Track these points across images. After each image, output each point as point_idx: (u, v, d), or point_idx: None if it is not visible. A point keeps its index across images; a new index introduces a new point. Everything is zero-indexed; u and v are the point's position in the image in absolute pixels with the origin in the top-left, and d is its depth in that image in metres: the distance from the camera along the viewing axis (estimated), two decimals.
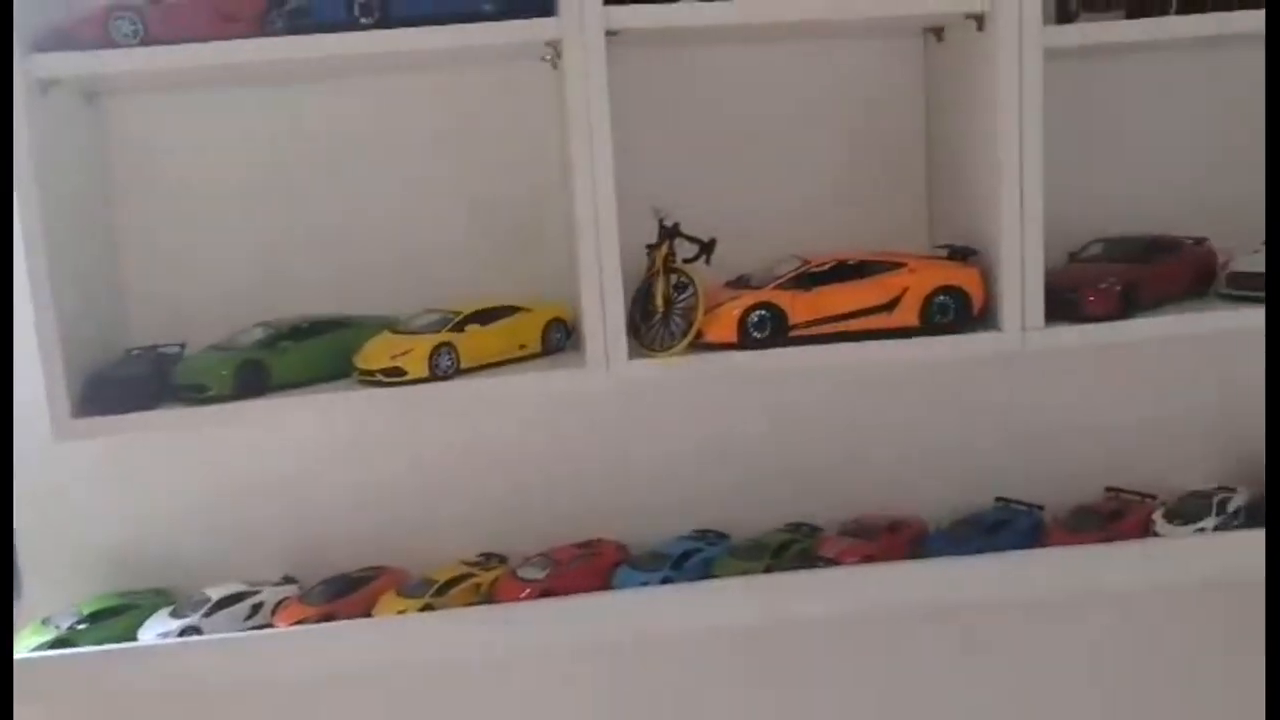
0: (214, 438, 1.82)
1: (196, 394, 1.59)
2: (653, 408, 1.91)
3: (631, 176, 1.68)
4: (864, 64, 1.85)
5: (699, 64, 1.82)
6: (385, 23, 1.54)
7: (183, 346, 1.69)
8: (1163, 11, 1.67)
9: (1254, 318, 1.68)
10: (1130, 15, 1.67)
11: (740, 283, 1.71)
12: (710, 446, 1.94)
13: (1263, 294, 1.68)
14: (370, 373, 1.60)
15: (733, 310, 1.63)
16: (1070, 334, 1.67)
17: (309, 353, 1.65)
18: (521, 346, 1.69)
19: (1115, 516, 1.85)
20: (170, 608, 1.76)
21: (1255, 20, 1.64)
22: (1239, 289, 1.72)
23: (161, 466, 1.84)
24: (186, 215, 1.78)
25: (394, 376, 1.59)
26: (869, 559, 1.79)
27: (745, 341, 1.63)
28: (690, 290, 1.64)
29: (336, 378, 1.66)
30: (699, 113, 1.84)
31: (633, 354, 1.63)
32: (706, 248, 1.66)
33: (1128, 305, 1.68)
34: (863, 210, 1.88)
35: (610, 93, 1.56)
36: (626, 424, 1.91)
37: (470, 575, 1.80)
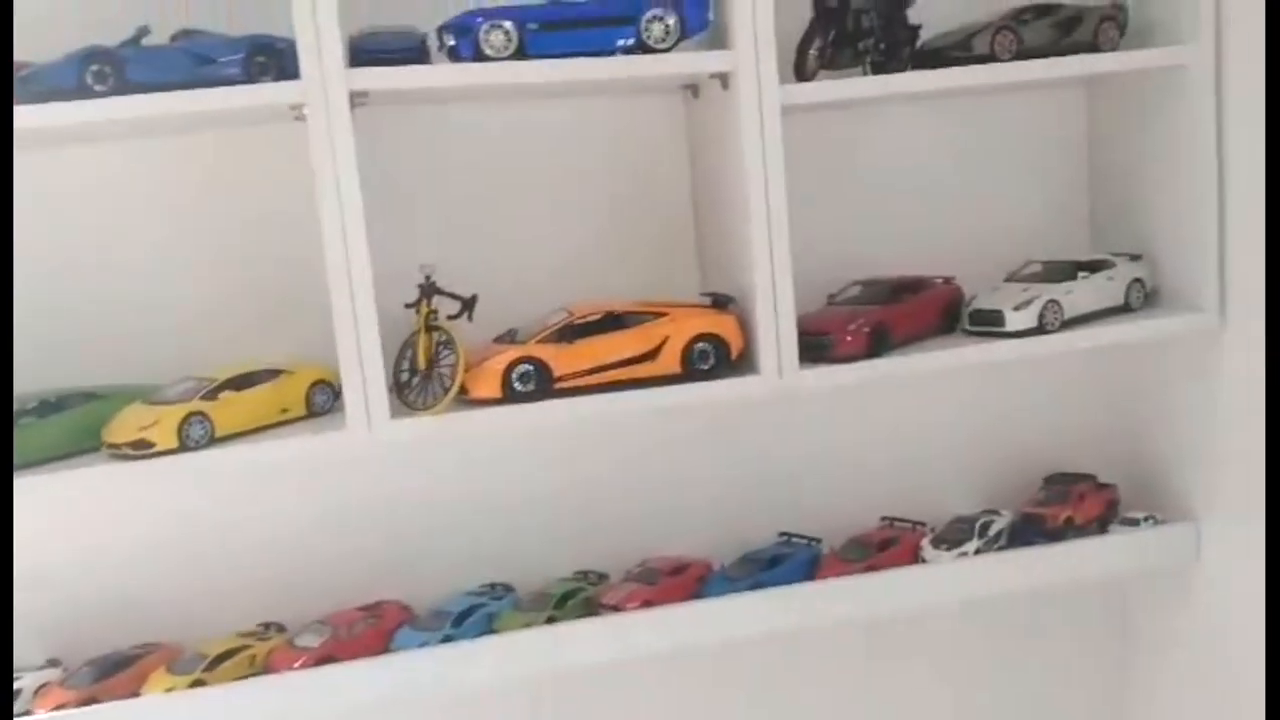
0: None
1: None
2: (435, 463, 1.91)
3: (400, 234, 1.70)
4: (628, 119, 1.91)
5: (464, 121, 1.84)
6: (121, 89, 1.51)
7: None
8: (899, 69, 1.77)
9: (993, 352, 1.79)
10: (877, 71, 1.76)
11: (507, 337, 1.73)
12: (497, 498, 1.94)
13: (998, 328, 1.79)
14: (118, 446, 1.55)
15: (496, 366, 1.65)
16: (823, 375, 1.74)
17: (55, 429, 1.59)
18: (284, 410, 1.67)
19: (887, 545, 1.93)
20: None
21: (982, 74, 1.76)
22: (980, 325, 1.83)
23: None
24: None
25: (141, 449, 1.54)
26: (649, 603, 1.81)
27: (510, 396, 1.65)
28: (452, 348, 1.64)
29: (87, 452, 1.60)
30: (467, 170, 1.86)
31: (396, 413, 1.62)
32: (467, 304, 1.68)
33: (878, 345, 1.76)
34: (636, 261, 1.93)
35: (371, 152, 1.57)
36: (407, 481, 1.90)
37: (245, 647, 1.75)
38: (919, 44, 1.81)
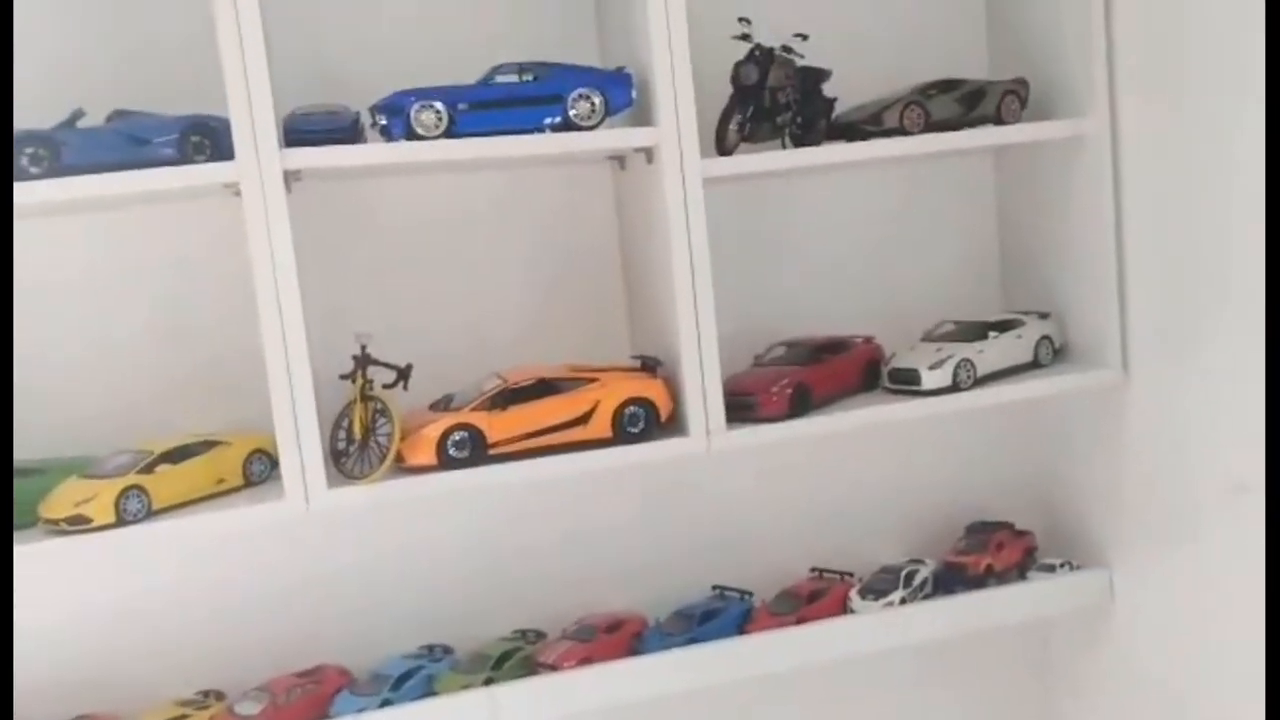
0: None
1: None
2: (371, 527, 1.93)
3: (334, 306, 1.73)
4: (558, 189, 1.97)
5: (396, 193, 1.90)
6: (56, 171, 1.53)
7: None
8: (816, 141, 1.86)
9: (910, 410, 1.87)
10: (796, 144, 1.85)
11: (442, 404, 1.77)
12: (433, 560, 1.98)
13: (915, 386, 1.87)
14: (55, 521, 1.57)
15: (431, 433, 1.69)
16: (749, 435, 1.80)
17: None
18: (221, 481, 1.69)
19: (816, 596, 1.99)
20: None
21: (893, 147, 1.85)
22: (898, 383, 1.91)
23: None
24: None
25: (78, 525, 1.56)
26: (587, 660, 1.85)
27: (445, 462, 1.69)
28: (388, 417, 1.68)
29: (23, 528, 1.61)
30: (400, 240, 1.91)
31: (333, 482, 1.65)
32: (403, 374, 1.72)
33: (801, 404, 1.84)
34: (569, 326, 1.99)
35: (304, 226, 1.61)
36: (343, 545, 1.93)
37: (184, 716, 1.76)
38: (834, 116, 1.90)
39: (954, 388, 1.87)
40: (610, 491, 2.03)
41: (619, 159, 1.93)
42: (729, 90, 1.83)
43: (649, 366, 1.83)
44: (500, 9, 1.92)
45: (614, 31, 1.88)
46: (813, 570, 2.09)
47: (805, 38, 1.84)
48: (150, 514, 1.60)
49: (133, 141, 1.59)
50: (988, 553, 2.04)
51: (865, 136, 1.85)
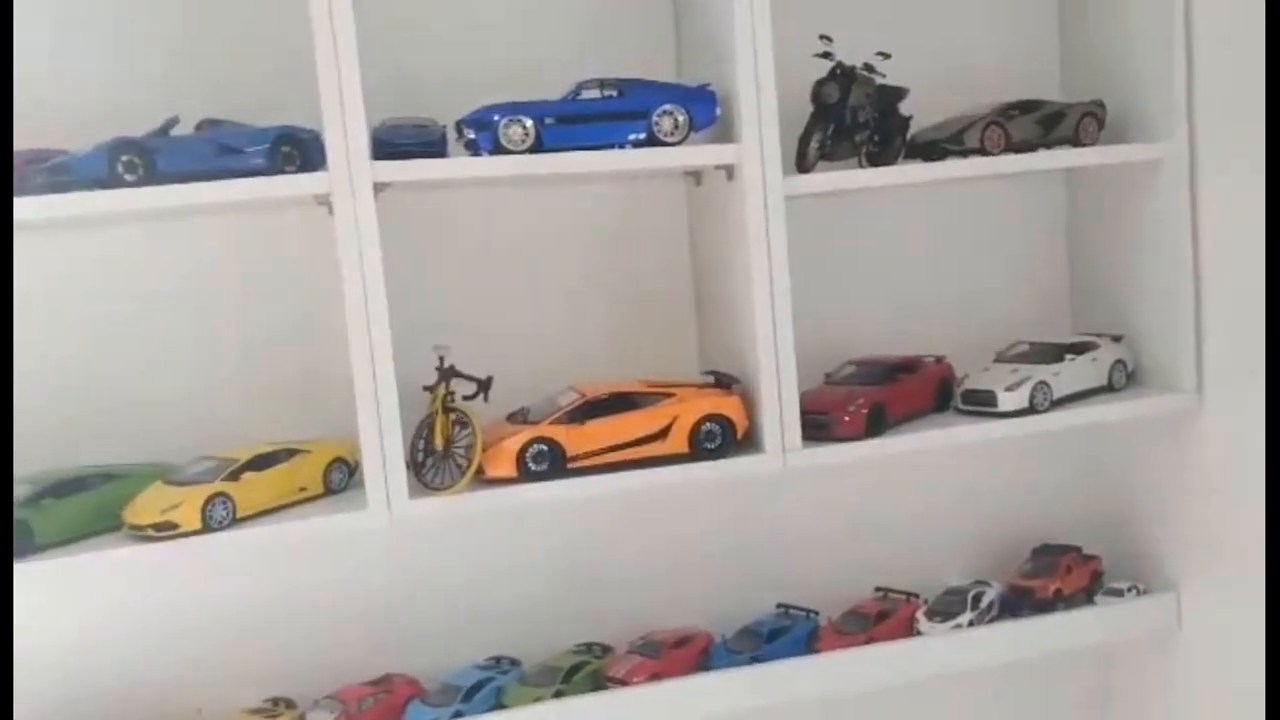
0: None
1: None
2: (439, 537, 1.94)
3: (414, 316, 1.74)
4: (632, 204, 1.98)
5: (478, 207, 1.91)
6: (150, 179, 1.55)
7: None
8: (892, 160, 1.86)
9: (988, 431, 1.87)
10: (873, 162, 1.85)
11: (520, 417, 1.77)
12: (499, 571, 1.98)
13: (991, 408, 1.87)
14: (141, 527, 1.58)
15: (511, 446, 1.69)
16: (825, 454, 1.80)
17: (76, 509, 1.61)
18: (302, 489, 1.70)
19: (882, 617, 1.98)
20: None
21: (974, 167, 1.85)
22: (972, 405, 1.90)
23: None
24: None
25: (165, 531, 1.56)
26: (655, 676, 1.85)
27: (524, 475, 1.69)
28: (469, 429, 1.69)
29: (106, 532, 1.62)
30: (481, 254, 1.93)
31: (414, 492, 1.66)
32: (484, 386, 1.72)
33: (876, 424, 1.83)
34: (639, 339, 1.99)
35: (387, 236, 1.61)
36: (412, 555, 1.93)
37: None
38: (909, 135, 1.90)
39: (1030, 410, 1.86)
40: (675, 507, 2.03)
41: (694, 174, 1.93)
42: (804, 106, 1.83)
43: (724, 383, 1.83)
44: (579, 23, 1.93)
45: (694, 46, 1.88)
46: (877, 590, 2.08)
47: (888, 56, 1.84)
48: (234, 521, 1.61)
49: (225, 151, 1.60)
50: (1056, 576, 2.02)
51: (944, 156, 1.85)
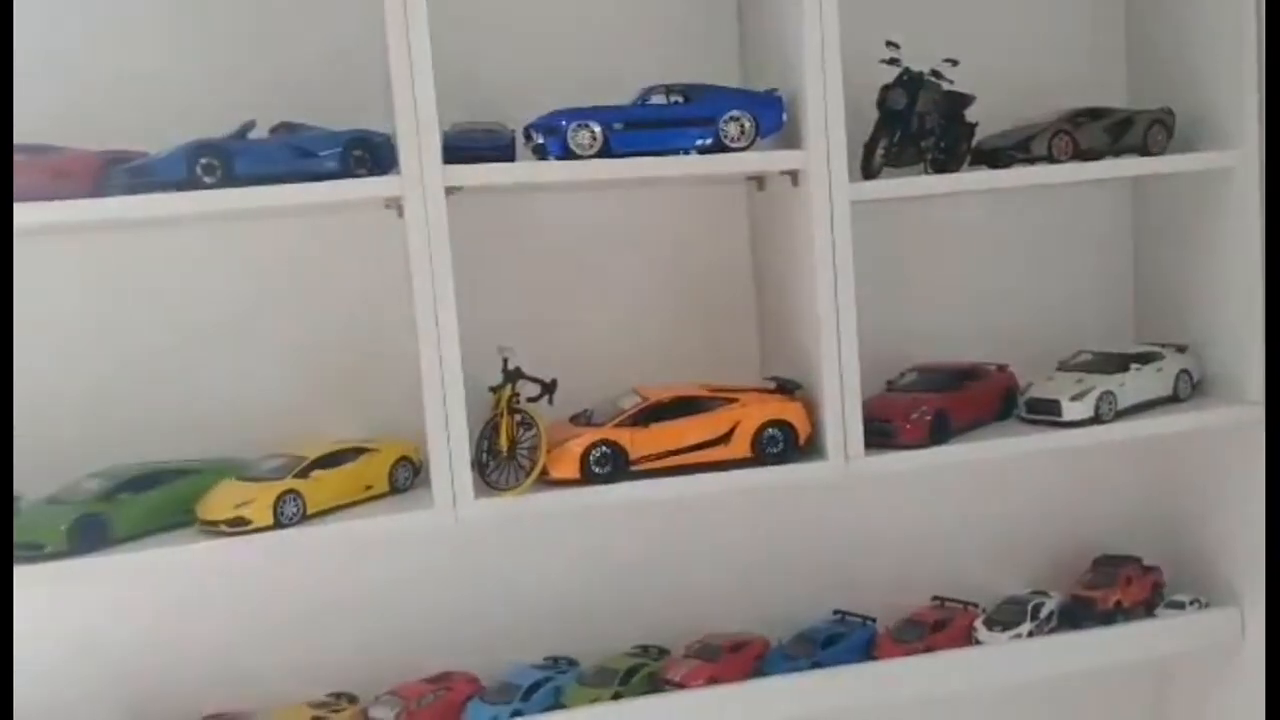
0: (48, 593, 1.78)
1: (31, 552, 1.55)
2: (501, 536, 1.95)
3: (478, 317, 1.75)
4: (694, 208, 1.99)
5: (542, 210, 1.92)
6: (228, 181, 1.58)
7: (15, 499, 1.65)
8: (958, 166, 1.86)
9: (1048, 440, 1.86)
10: (938, 169, 1.85)
11: (582, 419, 1.79)
12: (556, 571, 2.00)
13: (1055, 417, 1.85)
14: (213, 523, 1.60)
15: (575, 448, 1.70)
16: (888, 461, 1.80)
17: (150, 504, 1.64)
18: (368, 488, 1.72)
19: (940, 626, 1.97)
20: None
21: (1042, 175, 1.84)
22: (1035, 413, 1.89)
23: None
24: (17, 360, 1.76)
25: (237, 526, 1.59)
26: (713, 680, 1.85)
27: (587, 477, 1.70)
28: (534, 430, 1.70)
29: (178, 527, 1.65)
30: (544, 256, 1.94)
31: (478, 493, 1.68)
32: (548, 388, 1.74)
33: (939, 432, 1.83)
34: (699, 343, 2.00)
35: (455, 238, 1.63)
36: (471, 554, 1.95)
37: (319, 719, 1.78)
38: (975, 141, 1.89)
39: (1095, 420, 1.84)
40: (736, 510, 2.03)
41: (757, 179, 1.93)
42: (870, 112, 1.83)
43: (787, 388, 1.83)
44: (647, 29, 1.94)
45: (761, 52, 1.89)
46: (934, 598, 2.07)
47: (955, 63, 1.83)
48: (304, 518, 1.64)
49: (299, 154, 1.63)
50: (1116, 588, 2.01)
51: (1010, 163, 1.84)
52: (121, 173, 1.59)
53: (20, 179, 1.52)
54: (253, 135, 1.65)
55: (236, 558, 1.68)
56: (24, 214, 1.51)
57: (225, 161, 1.58)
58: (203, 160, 1.57)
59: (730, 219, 2.00)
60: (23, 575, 1.54)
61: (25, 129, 1.57)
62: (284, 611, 1.89)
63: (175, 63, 1.77)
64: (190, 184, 1.56)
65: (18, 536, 1.56)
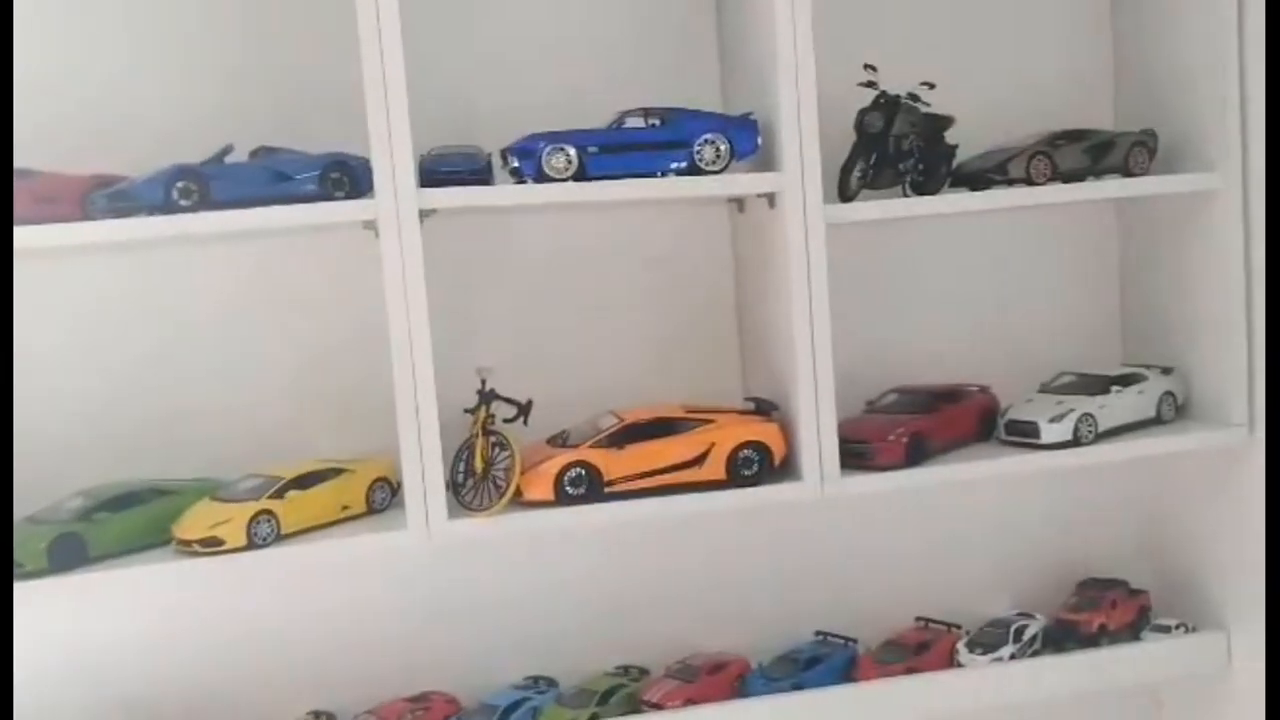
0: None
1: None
2: (478, 557, 1.95)
3: (456, 339, 1.77)
4: (675, 230, 1.99)
5: (520, 232, 1.94)
6: (205, 204, 1.60)
7: None
8: (937, 189, 1.86)
9: (1029, 463, 1.85)
10: (917, 191, 1.85)
11: (559, 440, 1.79)
12: (537, 592, 2.00)
13: (1034, 439, 1.85)
14: (188, 543, 1.62)
15: (549, 469, 1.71)
16: (864, 483, 1.80)
17: (128, 523, 1.66)
18: (344, 508, 1.73)
19: (922, 648, 1.96)
20: None
21: (1019, 197, 1.84)
22: (1015, 435, 1.88)
23: None
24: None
25: (211, 546, 1.61)
26: (691, 701, 1.85)
27: (562, 499, 1.71)
28: (508, 451, 1.71)
29: (155, 547, 1.66)
30: (522, 279, 1.95)
31: (453, 513, 1.68)
32: (524, 409, 1.74)
33: (916, 453, 1.82)
34: (680, 365, 2.00)
35: (432, 260, 1.64)
36: (451, 574, 1.96)
37: None
38: (954, 163, 1.89)
39: (1074, 442, 1.84)
40: (715, 531, 2.03)
41: (738, 202, 1.94)
42: (846, 135, 1.83)
43: (764, 410, 1.83)
44: (624, 52, 1.95)
45: (738, 75, 1.90)
46: (918, 620, 2.06)
47: (932, 86, 1.84)
48: (279, 538, 1.65)
49: (277, 177, 1.65)
50: (1101, 611, 1.99)
51: (989, 185, 1.84)
52: (102, 197, 1.62)
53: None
54: (231, 159, 1.67)
55: (210, 578, 1.69)
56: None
57: (202, 185, 1.60)
58: (179, 184, 1.59)
59: (712, 241, 2.01)
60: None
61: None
62: (262, 632, 1.90)
63: (155, 87, 1.80)
64: (168, 208, 1.59)
65: None
